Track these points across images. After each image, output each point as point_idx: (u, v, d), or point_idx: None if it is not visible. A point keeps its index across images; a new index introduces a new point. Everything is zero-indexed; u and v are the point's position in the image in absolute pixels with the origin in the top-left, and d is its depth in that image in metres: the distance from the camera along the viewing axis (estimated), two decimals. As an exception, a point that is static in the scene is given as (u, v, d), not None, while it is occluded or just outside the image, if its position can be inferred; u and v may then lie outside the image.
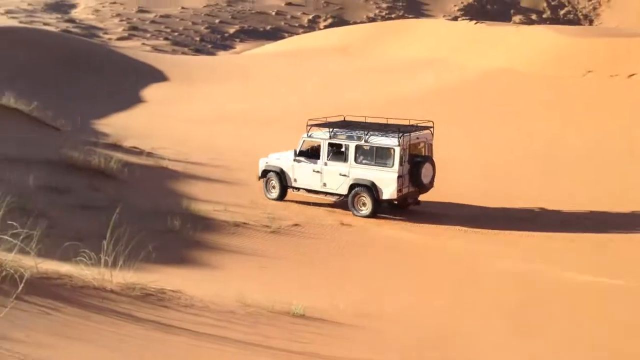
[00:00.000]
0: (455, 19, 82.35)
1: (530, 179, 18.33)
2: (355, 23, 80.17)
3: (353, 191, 14.29)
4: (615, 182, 17.55)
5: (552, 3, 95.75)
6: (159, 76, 44.59)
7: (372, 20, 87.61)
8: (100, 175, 14.17)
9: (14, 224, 5.63)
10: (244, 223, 12.85)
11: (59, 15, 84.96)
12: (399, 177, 13.82)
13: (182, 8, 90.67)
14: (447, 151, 21.80)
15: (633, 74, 29.03)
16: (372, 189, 14.02)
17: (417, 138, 14.56)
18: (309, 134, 15.14)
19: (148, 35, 79.34)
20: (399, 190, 13.92)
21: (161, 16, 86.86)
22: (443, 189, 15.33)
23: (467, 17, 79.57)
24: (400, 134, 13.95)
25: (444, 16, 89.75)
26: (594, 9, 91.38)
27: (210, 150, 22.69)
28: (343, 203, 14.70)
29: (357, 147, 14.23)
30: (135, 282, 6.86)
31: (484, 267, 11.54)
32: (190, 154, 21.14)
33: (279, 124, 27.59)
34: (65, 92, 34.55)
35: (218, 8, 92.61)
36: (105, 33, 78.12)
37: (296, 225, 13.32)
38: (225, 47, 79.78)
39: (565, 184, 17.59)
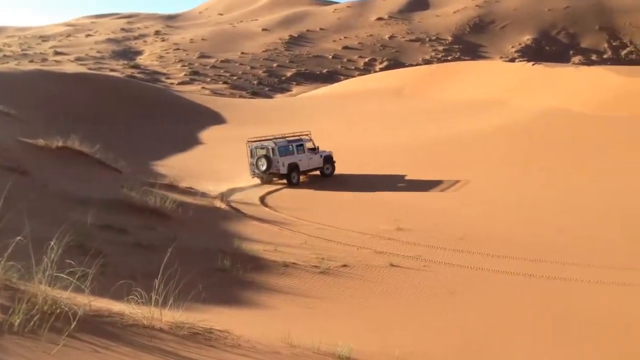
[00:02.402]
0: (512, 60, 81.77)
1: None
2: (411, 65, 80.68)
3: None
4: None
5: (614, 43, 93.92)
6: (217, 118, 45.88)
7: (428, 62, 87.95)
8: (156, 215, 14.60)
9: (71, 262, 5.86)
10: (294, 263, 12.93)
11: (125, 62, 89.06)
12: (250, 164, 25.63)
13: (242, 53, 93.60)
14: (494, 192, 21.47)
15: (699, 115, 28.02)
16: None
17: (262, 145, 25.39)
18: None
19: (208, 79, 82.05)
20: (253, 172, 25.46)
21: (221, 61, 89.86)
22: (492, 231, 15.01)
23: (524, 59, 78.83)
24: (248, 143, 25.78)
25: (500, 58, 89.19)
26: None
27: (263, 189, 23.08)
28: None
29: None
30: (184, 321, 6.97)
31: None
32: (244, 194, 21.53)
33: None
34: (127, 134, 35.96)
35: (277, 52, 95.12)
36: (168, 78, 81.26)
37: (345, 266, 13.29)
38: (282, 90, 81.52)
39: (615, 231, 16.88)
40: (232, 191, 22.39)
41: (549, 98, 37.64)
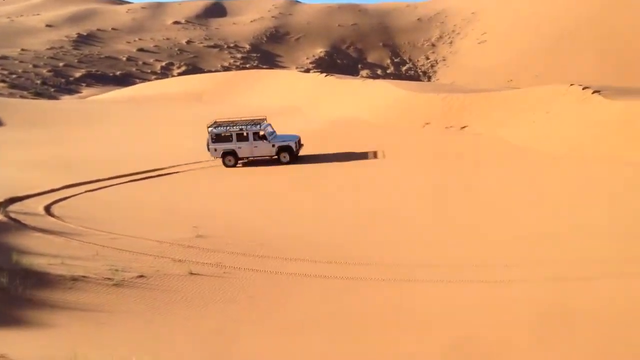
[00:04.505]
0: (307, 70, 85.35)
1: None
2: (209, 71, 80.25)
3: None
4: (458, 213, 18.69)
5: (395, 60, 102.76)
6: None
7: (226, 69, 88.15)
8: None
9: None
10: (83, 277, 11.98)
11: None
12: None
13: (22, 50, 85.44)
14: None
15: (465, 126, 31.74)
16: None
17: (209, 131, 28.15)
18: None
19: (-19, 76, 73.49)
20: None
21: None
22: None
23: (318, 70, 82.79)
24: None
25: (296, 68, 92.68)
26: (432, 66, 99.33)
27: (49, 198, 21.18)
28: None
29: None
30: (-54, 349, 6.05)
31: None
32: (25, 203, 19.56)
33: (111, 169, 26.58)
34: None
35: (63, 51, 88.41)
36: None
37: (141, 276, 12.65)
38: (70, 92, 75.93)
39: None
40: (11, 200, 20.13)
41: (340, 107, 39.94)
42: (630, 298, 11.76)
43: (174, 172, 27.06)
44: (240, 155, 27.93)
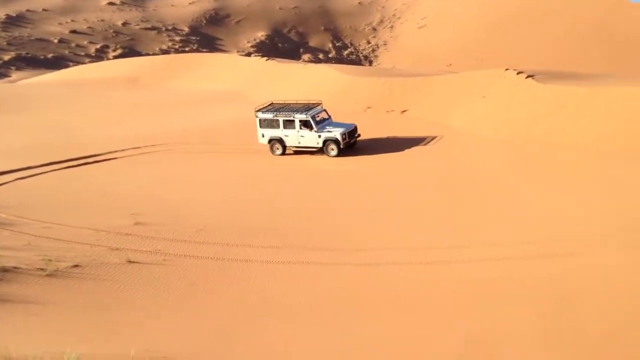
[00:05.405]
0: (248, 54, 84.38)
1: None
2: (147, 55, 78.27)
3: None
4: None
5: (337, 44, 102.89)
6: None
7: (165, 52, 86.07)
8: None
9: None
10: (15, 267, 11.54)
11: None
12: None
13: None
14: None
15: (405, 110, 32.12)
16: None
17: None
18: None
19: None
20: None
21: None
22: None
23: (260, 54, 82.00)
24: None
25: (237, 52, 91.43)
26: (373, 51, 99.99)
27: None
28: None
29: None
30: None
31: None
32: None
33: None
34: None
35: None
36: None
37: (76, 266, 12.28)
38: (0, 76, 72.74)
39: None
40: None
41: (281, 91, 39.65)
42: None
43: (112, 158, 26.33)
44: (287, 144, 25.71)
